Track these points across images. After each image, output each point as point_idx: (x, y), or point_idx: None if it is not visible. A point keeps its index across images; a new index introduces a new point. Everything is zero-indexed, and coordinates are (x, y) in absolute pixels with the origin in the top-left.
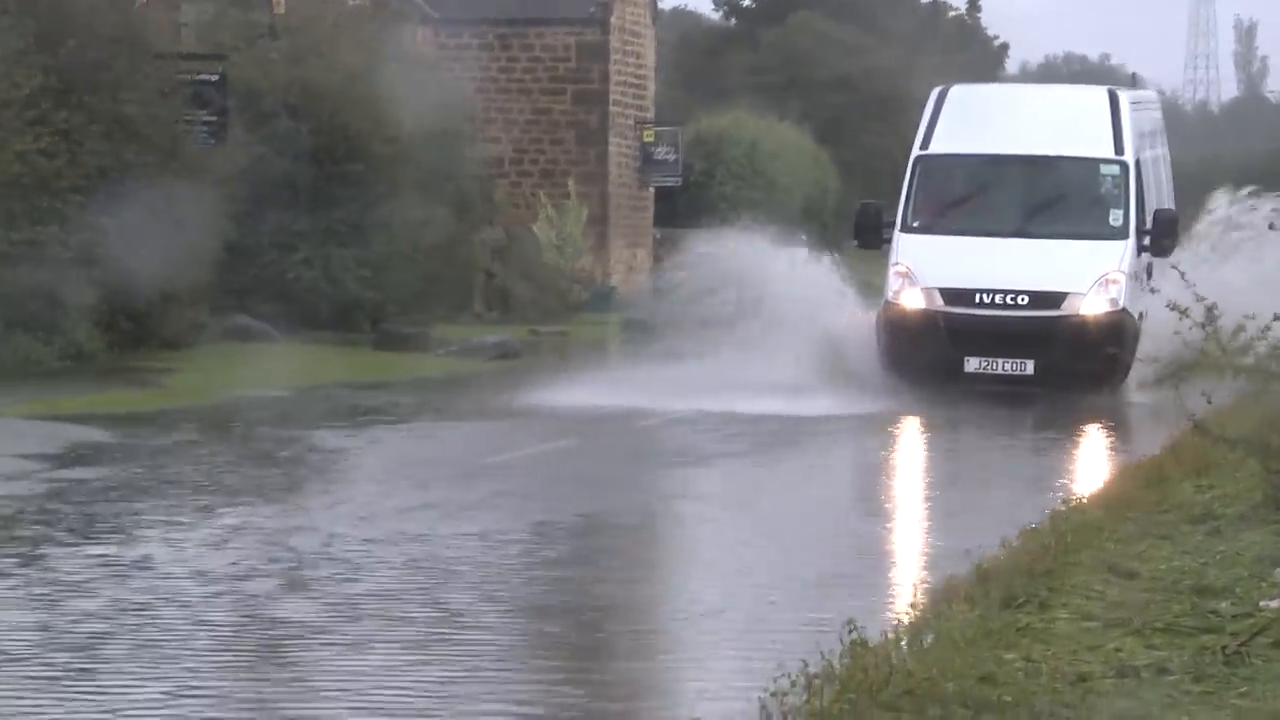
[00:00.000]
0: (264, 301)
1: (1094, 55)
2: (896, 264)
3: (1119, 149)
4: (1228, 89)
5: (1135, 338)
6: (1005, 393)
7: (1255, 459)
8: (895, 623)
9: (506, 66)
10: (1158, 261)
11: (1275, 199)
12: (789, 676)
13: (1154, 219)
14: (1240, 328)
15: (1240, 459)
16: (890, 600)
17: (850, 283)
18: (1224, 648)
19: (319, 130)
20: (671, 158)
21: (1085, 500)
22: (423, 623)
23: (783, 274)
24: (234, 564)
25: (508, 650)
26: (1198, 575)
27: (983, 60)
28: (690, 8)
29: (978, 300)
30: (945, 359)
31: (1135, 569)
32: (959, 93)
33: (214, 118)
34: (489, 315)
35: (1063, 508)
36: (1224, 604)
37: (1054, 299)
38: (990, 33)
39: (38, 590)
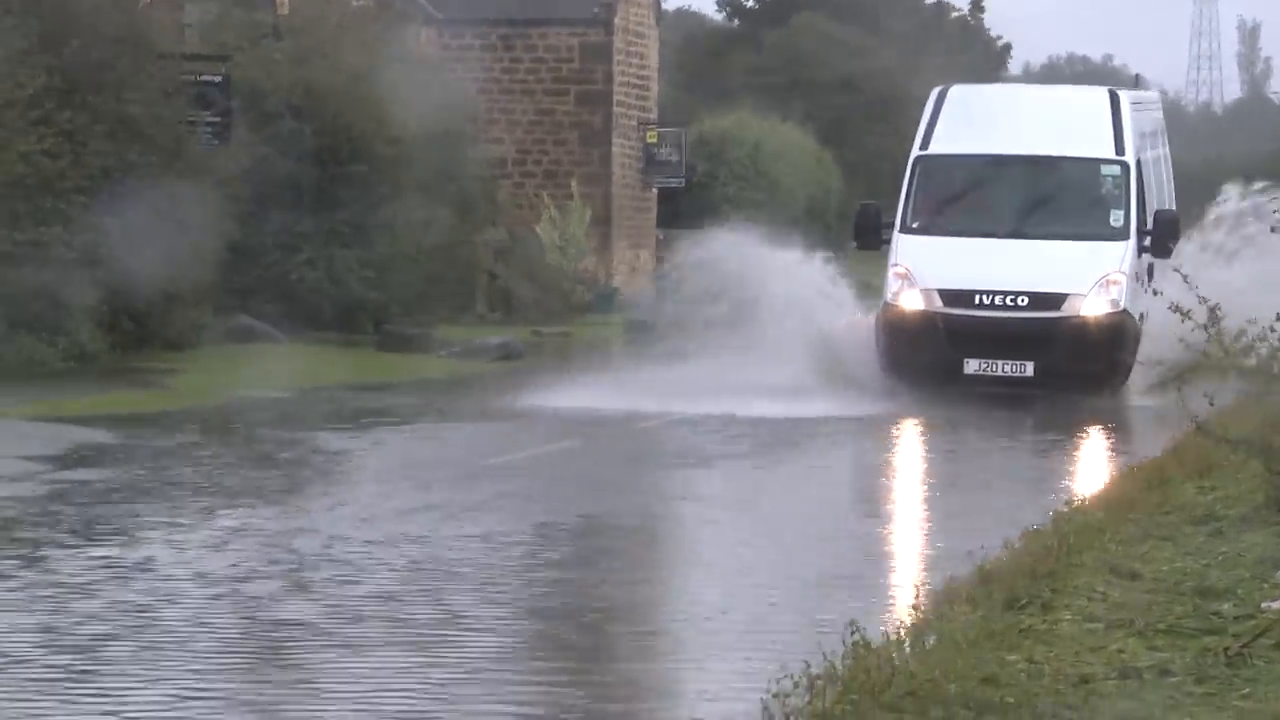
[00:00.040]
0: (267, 302)
1: (1097, 56)
2: (896, 265)
3: (1119, 149)
4: (1231, 90)
5: (1136, 339)
6: (1005, 394)
7: (1257, 460)
8: (897, 624)
9: (510, 67)
10: (1158, 262)
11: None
12: (791, 677)
13: (1155, 220)
14: (1242, 331)
15: (1242, 460)
16: (892, 601)
17: (850, 284)
18: (1226, 649)
19: (322, 131)
20: (675, 159)
21: (1087, 501)
22: (424, 624)
23: (781, 275)
24: (236, 566)
25: (509, 651)
26: (1200, 577)
27: (985, 61)
28: (693, 8)
29: (977, 301)
30: (945, 360)
31: (1137, 570)
32: (959, 93)
33: (217, 118)
34: (492, 316)
35: (1065, 509)
36: (1226, 605)
37: (1054, 300)
38: (993, 33)
39: (40, 592)
